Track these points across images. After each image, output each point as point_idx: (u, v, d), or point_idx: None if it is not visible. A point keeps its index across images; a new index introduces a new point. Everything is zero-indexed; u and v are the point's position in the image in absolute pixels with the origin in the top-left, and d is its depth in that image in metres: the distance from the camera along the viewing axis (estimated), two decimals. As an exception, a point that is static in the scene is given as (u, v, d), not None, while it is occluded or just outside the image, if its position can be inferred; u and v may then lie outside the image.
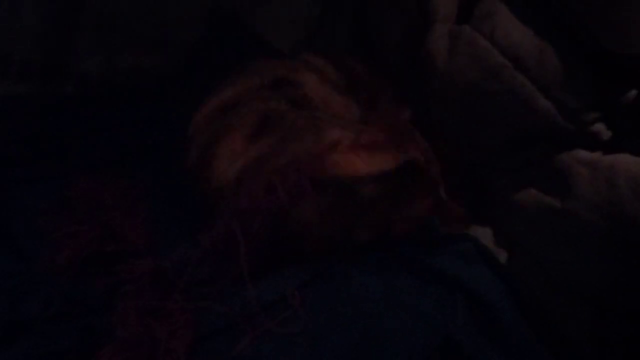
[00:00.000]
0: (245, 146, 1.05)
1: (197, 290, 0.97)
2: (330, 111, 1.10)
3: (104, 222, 1.05)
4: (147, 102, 1.22)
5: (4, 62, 1.23)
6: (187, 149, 1.10)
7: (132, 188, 1.11)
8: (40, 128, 1.20)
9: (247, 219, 0.98)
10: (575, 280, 0.97)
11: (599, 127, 0.96)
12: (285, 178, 0.98)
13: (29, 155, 1.17)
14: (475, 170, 1.09)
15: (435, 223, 1.06)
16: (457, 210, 1.05)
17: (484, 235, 1.07)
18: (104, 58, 1.26)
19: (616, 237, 0.92)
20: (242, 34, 1.29)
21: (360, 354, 0.92)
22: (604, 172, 0.93)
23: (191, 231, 1.04)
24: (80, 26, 1.23)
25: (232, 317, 0.93)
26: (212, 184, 1.05)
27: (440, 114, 1.07)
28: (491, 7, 1.00)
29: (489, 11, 1.00)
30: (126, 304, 0.94)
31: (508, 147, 1.03)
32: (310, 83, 1.12)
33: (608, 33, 0.91)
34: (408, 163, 1.00)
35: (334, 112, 1.10)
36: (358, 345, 0.92)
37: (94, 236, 1.03)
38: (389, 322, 0.94)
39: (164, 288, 0.97)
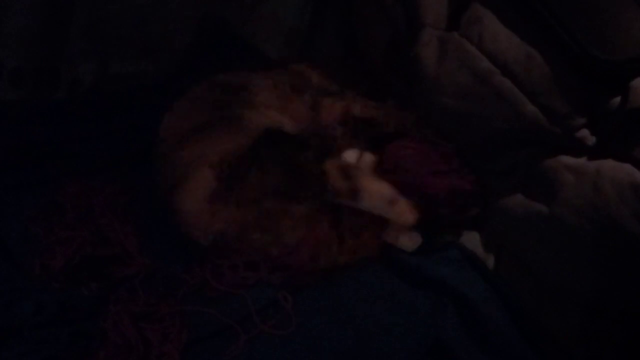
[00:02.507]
0: (208, 214, 1.03)
1: (189, 294, 0.98)
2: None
3: (95, 227, 1.05)
4: (138, 108, 1.22)
5: (-4, 69, 1.24)
6: (156, 176, 1.09)
7: (123, 193, 1.11)
8: (32, 134, 1.20)
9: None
10: (563, 282, 0.98)
11: (585, 132, 0.97)
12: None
13: (20, 161, 1.16)
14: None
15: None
16: None
17: (473, 239, 1.09)
18: (95, 65, 1.27)
19: (602, 241, 0.92)
20: (232, 41, 1.30)
21: (353, 355, 0.92)
22: (589, 178, 0.93)
23: (182, 235, 1.04)
24: (72, 33, 1.23)
25: (225, 320, 0.94)
26: (181, 222, 1.05)
27: (428, 117, 1.08)
28: (479, 14, 1.01)
29: (476, 18, 1.01)
30: (119, 308, 0.94)
31: (495, 150, 1.03)
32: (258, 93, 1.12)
33: (592, 40, 0.92)
34: None
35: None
36: (351, 347, 0.93)
37: (86, 241, 1.03)
38: (381, 324, 0.96)
39: (156, 292, 0.97)
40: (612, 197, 0.90)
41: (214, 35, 1.30)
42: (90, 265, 1.01)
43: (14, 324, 0.93)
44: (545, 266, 1.00)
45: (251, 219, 1.01)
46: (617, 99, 0.93)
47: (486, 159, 1.05)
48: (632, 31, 0.93)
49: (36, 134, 1.20)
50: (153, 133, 1.13)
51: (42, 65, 1.23)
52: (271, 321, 0.95)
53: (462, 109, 1.02)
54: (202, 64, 1.29)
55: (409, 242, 1.05)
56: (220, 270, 1.01)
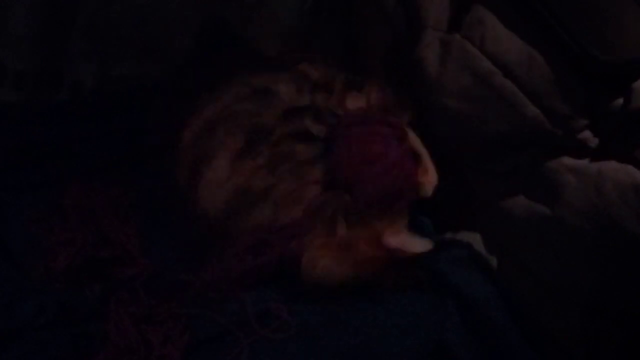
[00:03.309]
0: (229, 172, 1.03)
1: (190, 297, 0.97)
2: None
3: (97, 228, 1.05)
4: (139, 108, 1.21)
5: (-2, 71, 1.24)
6: (176, 167, 1.08)
7: (125, 194, 1.11)
8: (32, 134, 1.20)
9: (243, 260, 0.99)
10: (564, 285, 0.98)
11: (587, 134, 0.97)
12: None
13: (22, 162, 1.16)
14: (464, 176, 1.09)
15: (429, 229, 1.08)
16: None
17: (474, 241, 1.08)
18: (97, 66, 1.26)
19: (603, 243, 0.93)
20: (233, 43, 1.30)
21: (353, 357, 0.92)
22: (591, 179, 0.94)
23: (184, 237, 1.04)
24: (74, 34, 1.23)
25: (226, 323, 0.94)
26: (199, 210, 1.03)
27: (430, 119, 1.07)
28: (481, 15, 1.01)
29: (478, 19, 1.01)
30: (120, 310, 0.94)
31: (496, 151, 1.04)
32: (284, 93, 1.09)
33: (593, 40, 0.93)
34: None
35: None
36: (352, 349, 0.93)
37: (88, 243, 1.03)
38: (382, 325, 0.95)
39: (158, 294, 0.97)
40: (613, 198, 0.91)
41: (214, 36, 1.30)
42: (92, 266, 1.01)
43: (14, 325, 0.93)
44: (546, 267, 1.00)
45: (260, 189, 1.01)
46: (620, 101, 0.93)
47: (487, 160, 1.05)
48: (632, 32, 0.94)
49: (37, 135, 1.20)
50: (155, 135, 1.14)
51: (43, 67, 1.24)
52: (271, 324, 0.95)
53: (463, 111, 1.02)
54: (202, 64, 1.28)
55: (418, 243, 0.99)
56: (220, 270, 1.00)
